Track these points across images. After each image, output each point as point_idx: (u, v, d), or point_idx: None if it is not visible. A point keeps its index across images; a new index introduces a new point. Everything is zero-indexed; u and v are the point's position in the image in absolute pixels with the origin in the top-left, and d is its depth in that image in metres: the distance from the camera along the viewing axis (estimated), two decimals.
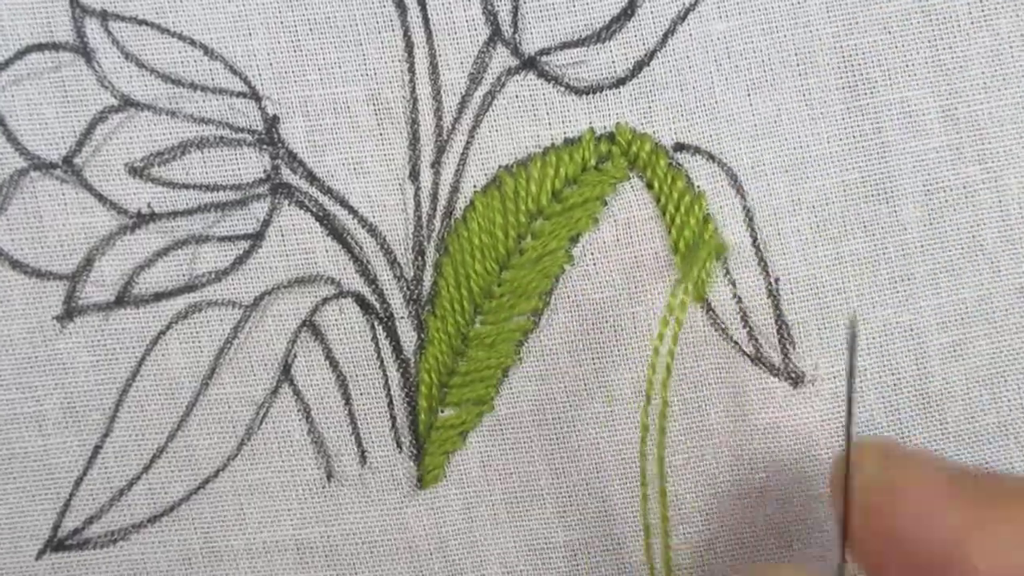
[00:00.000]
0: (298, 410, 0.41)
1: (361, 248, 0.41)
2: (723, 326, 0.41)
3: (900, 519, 0.34)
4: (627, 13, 0.40)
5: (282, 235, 0.41)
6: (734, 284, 0.41)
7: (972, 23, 0.40)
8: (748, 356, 0.41)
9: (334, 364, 0.41)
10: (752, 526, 0.41)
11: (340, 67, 0.40)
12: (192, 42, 0.40)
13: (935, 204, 0.41)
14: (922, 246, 0.41)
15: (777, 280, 0.41)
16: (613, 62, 0.40)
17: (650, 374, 0.38)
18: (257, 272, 0.41)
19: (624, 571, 0.42)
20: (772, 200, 0.41)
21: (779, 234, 0.41)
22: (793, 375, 0.41)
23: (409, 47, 0.40)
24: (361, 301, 0.41)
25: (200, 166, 0.40)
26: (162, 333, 0.41)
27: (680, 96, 0.40)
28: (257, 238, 0.41)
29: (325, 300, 0.41)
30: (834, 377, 0.41)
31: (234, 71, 0.40)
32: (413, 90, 0.40)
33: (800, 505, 0.41)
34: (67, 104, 0.40)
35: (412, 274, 0.41)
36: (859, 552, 0.35)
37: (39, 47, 0.40)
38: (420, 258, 0.41)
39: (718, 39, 0.40)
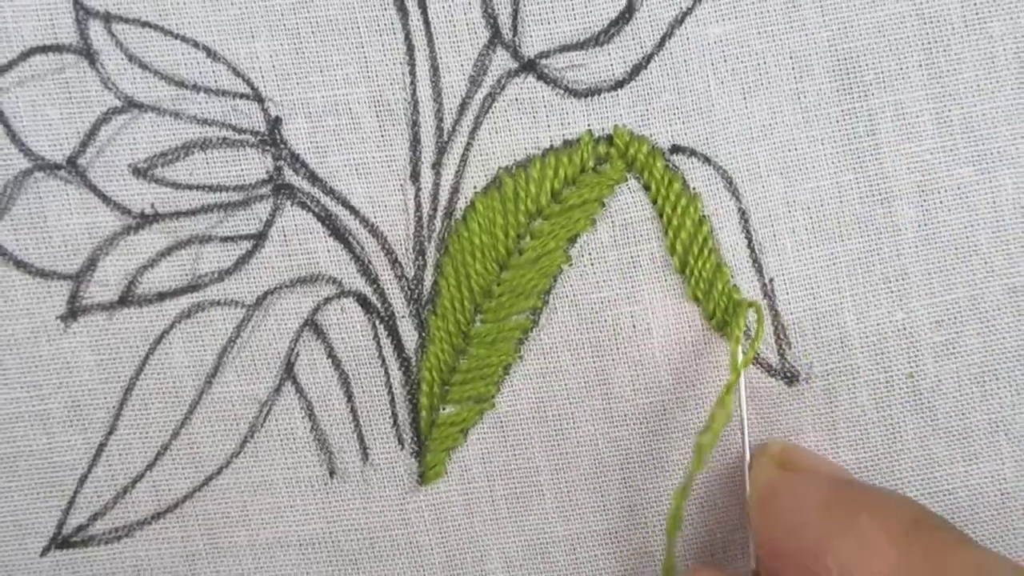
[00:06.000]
0: (301, 408, 0.41)
1: (363, 248, 0.41)
2: (720, 325, 0.41)
3: (776, 529, 0.35)
4: (625, 17, 0.40)
5: (284, 235, 0.41)
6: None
7: (965, 26, 0.40)
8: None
9: (336, 362, 0.41)
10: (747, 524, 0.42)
11: (342, 69, 0.40)
12: (195, 44, 0.40)
13: (929, 205, 0.41)
14: (916, 246, 0.41)
15: (772, 280, 0.41)
16: (611, 65, 0.40)
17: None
18: (260, 272, 0.41)
19: (623, 564, 0.42)
20: (767, 201, 0.41)
21: (774, 235, 0.41)
22: (789, 374, 0.41)
23: (410, 50, 0.40)
24: (363, 300, 0.41)
25: (203, 167, 0.40)
26: (165, 332, 0.41)
27: (677, 99, 0.40)
28: (260, 238, 0.41)
29: (327, 299, 0.41)
30: (828, 375, 0.41)
31: (237, 73, 0.40)
32: (414, 92, 0.40)
33: None
34: (71, 105, 0.40)
35: (413, 274, 0.41)
36: (758, 558, 0.37)
37: (43, 49, 0.40)
38: (421, 258, 0.41)
39: (714, 43, 0.40)
